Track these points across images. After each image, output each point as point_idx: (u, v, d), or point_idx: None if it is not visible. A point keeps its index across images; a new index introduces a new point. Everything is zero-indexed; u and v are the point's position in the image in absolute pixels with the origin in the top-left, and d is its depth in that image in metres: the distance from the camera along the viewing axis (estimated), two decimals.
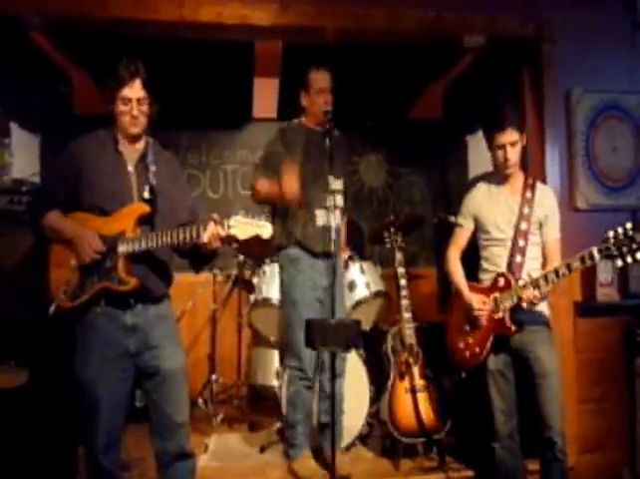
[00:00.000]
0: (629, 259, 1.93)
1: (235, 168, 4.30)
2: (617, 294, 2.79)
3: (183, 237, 1.81)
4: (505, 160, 2.25)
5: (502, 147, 2.24)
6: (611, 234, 1.96)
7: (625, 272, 2.76)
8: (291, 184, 2.45)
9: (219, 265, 3.76)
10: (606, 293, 2.76)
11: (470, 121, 3.70)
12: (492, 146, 2.28)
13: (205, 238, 1.79)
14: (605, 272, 2.73)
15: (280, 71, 3.73)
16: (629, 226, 1.93)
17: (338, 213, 2.61)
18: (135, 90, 1.88)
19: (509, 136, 2.23)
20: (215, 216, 1.81)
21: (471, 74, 3.68)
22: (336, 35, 2.84)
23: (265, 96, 4.03)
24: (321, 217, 2.60)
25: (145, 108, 1.92)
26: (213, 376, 3.68)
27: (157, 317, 1.91)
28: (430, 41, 2.98)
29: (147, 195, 1.89)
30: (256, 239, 1.81)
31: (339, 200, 2.66)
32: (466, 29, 2.86)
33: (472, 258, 2.43)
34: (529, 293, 2.13)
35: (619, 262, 1.95)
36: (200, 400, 3.60)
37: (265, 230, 1.80)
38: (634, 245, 1.92)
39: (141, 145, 1.98)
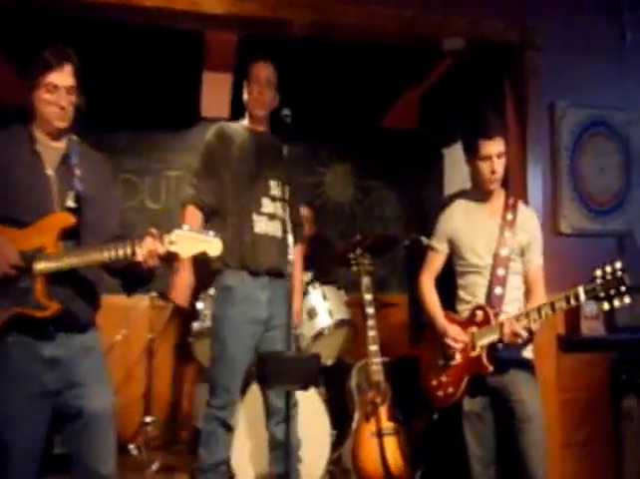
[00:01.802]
0: (617, 303, 1.98)
1: (180, 174, 4.27)
2: (603, 328, 2.90)
3: (115, 254, 1.77)
4: (492, 172, 2.26)
5: (488, 158, 2.25)
6: (599, 273, 2.01)
7: None
8: (182, 293, 2.50)
9: (157, 287, 3.70)
10: (591, 327, 2.86)
11: (447, 132, 3.82)
12: (476, 157, 2.28)
13: (141, 255, 1.76)
14: (590, 304, 2.81)
15: (234, 66, 3.76)
16: (618, 265, 1.98)
17: (279, 223, 2.59)
18: (64, 77, 1.84)
19: (497, 146, 2.25)
20: (154, 230, 1.79)
21: (449, 82, 3.79)
22: (300, 30, 2.89)
23: (216, 93, 4.03)
24: (259, 223, 2.57)
25: (73, 99, 1.87)
26: (148, 418, 3.62)
27: (81, 349, 1.86)
28: (405, 41, 3.06)
29: (70, 203, 1.83)
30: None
31: (280, 209, 2.61)
32: (444, 31, 2.95)
33: (446, 285, 2.47)
34: (511, 327, 2.14)
35: (606, 306, 2.01)
36: (132, 446, 3.54)
37: (213, 246, 1.78)
38: (622, 288, 1.97)
39: (62, 144, 1.92)
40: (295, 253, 2.80)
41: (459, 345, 2.29)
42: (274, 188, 2.62)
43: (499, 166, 2.28)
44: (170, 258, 1.84)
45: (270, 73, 2.66)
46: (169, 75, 3.91)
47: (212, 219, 2.64)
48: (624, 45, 3.09)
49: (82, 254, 1.78)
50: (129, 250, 1.77)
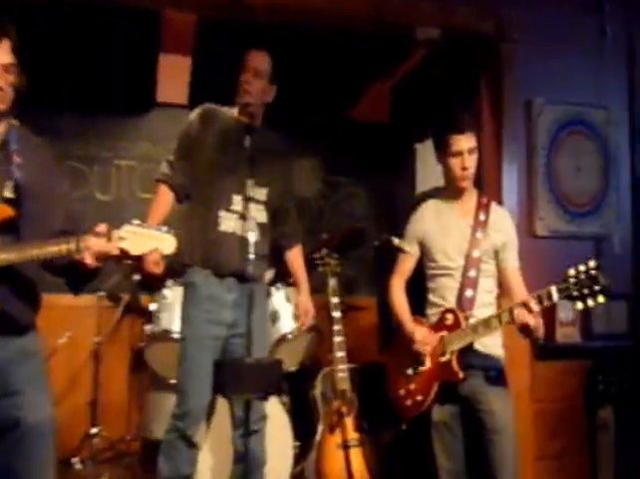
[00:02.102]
0: (590, 303, 2.00)
1: (132, 164, 4.18)
2: (579, 335, 2.94)
3: (58, 250, 1.71)
4: (464, 169, 2.28)
5: (460, 154, 2.27)
6: (572, 272, 2.02)
7: (587, 310, 2.92)
8: (155, 262, 2.32)
9: (105, 286, 3.61)
10: (567, 334, 2.90)
11: (419, 127, 3.84)
12: (447, 153, 2.30)
13: (89, 257, 1.72)
14: (566, 310, 2.86)
15: (193, 48, 3.70)
16: (592, 264, 2.00)
17: (253, 224, 2.49)
18: (0, 53, 1.77)
19: (468, 141, 2.28)
20: (102, 228, 1.74)
21: (422, 75, 3.80)
22: (262, 12, 2.87)
23: (173, 77, 3.97)
24: (226, 221, 2.50)
25: (12, 78, 1.80)
26: (95, 429, 3.56)
27: (20, 354, 1.79)
28: (376, 27, 3.06)
29: (8, 193, 1.78)
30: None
31: (257, 212, 2.55)
32: (415, 17, 2.97)
33: (417, 290, 2.47)
34: (524, 313, 2.11)
35: (580, 305, 2.02)
36: (76, 460, 3.45)
37: (166, 243, 1.74)
38: (596, 287, 1.98)
39: (0, 128, 1.86)
40: (295, 254, 2.79)
41: (427, 348, 2.29)
42: (251, 187, 2.51)
43: (471, 161, 2.29)
44: (120, 256, 1.79)
45: (261, 63, 2.58)
46: (123, 55, 3.81)
47: (186, 203, 2.59)
48: (604, 41, 3.13)
49: (20, 250, 1.71)
50: (73, 246, 1.72)
